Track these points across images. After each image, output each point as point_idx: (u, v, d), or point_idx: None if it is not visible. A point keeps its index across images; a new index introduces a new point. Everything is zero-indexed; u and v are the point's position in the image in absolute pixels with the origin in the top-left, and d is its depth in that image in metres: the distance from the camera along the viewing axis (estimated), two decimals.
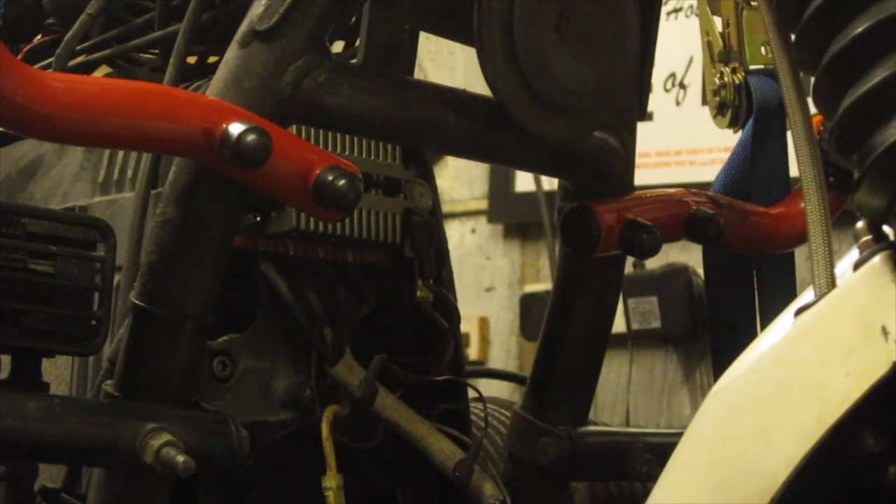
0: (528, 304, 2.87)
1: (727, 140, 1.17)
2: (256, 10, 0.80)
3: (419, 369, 0.98)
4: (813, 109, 0.62)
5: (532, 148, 0.91)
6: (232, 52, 0.80)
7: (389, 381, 0.95)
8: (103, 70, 1.20)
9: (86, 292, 0.82)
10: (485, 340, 3.43)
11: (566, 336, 1.03)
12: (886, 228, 0.57)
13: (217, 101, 0.77)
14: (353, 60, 0.87)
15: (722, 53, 1.14)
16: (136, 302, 0.81)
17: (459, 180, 3.63)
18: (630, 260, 1.30)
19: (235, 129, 0.74)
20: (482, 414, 1.08)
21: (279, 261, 0.92)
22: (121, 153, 1.05)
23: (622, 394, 2.46)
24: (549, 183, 0.95)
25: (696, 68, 3.26)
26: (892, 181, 0.55)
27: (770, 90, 1.12)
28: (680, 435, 0.61)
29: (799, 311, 0.57)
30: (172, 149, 0.77)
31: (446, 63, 3.45)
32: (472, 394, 1.04)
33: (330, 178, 0.78)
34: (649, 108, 1.13)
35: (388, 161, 0.95)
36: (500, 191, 3.52)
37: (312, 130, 0.90)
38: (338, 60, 0.82)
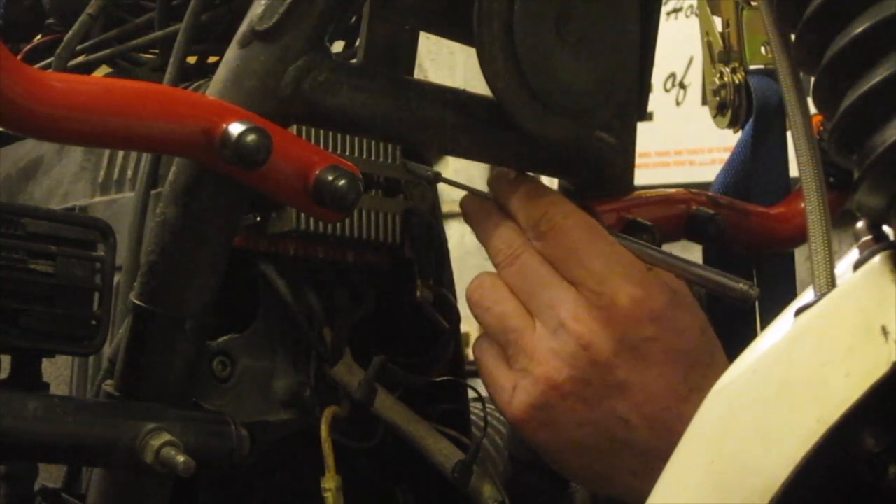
0: None
1: (727, 140, 1.17)
2: (256, 10, 0.80)
3: (419, 369, 0.98)
4: (813, 109, 0.62)
5: (532, 148, 0.91)
6: (232, 52, 0.80)
7: (389, 381, 0.95)
8: (103, 70, 1.20)
9: (86, 292, 0.82)
10: None
11: None
12: (886, 228, 0.57)
13: (217, 101, 0.77)
14: (353, 60, 0.87)
15: (722, 53, 1.14)
16: (136, 302, 0.81)
17: (459, 180, 3.63)
18: None
19: (235, 129, 0.74)
20: (482, 414, 1.08)
21: (279, 261, 0.92)
22: (121, 153, 1.05)
23: None
24: (550, 183, 0.95)
25: (696, 68, 3.27)
26: (893, 181, 0.55)
27: (770, 90, 1.12)
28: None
29: (799, 311, 0.57)
30: (172, 149, 0.77)
31: (446, 63, 3.45)
32: (472, 394, 1.04)
33: (330, 178, 0.78)
34: (649, 108, 1.13)
35: (388, 161, 0.95)
36: None
37: (312, 130, 0.90)
38: (338, 60, 0.82)
